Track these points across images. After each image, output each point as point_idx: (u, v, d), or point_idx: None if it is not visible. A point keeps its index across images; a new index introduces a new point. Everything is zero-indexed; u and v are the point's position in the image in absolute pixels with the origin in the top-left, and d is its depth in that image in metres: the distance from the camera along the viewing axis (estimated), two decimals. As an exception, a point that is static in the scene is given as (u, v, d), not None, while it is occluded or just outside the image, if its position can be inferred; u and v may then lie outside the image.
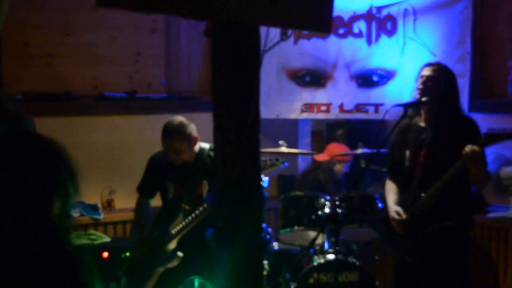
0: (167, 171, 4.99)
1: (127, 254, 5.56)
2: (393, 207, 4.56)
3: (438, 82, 4.38)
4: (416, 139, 4.48)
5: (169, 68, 6.62)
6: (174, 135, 4.86)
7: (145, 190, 5.12)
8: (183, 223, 4.79)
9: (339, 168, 6.41)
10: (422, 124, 4.49)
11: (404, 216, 4.46)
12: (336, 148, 6.47)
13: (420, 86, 4.40)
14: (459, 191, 4.36)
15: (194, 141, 4.88)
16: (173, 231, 4.83)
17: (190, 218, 4.76)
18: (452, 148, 4.28)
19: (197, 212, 4.71)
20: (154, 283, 4.84)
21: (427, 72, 4.44)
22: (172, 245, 4.83)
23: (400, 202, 4.59)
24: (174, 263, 4.81)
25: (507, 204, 5.91)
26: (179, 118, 4.92)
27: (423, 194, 4.39)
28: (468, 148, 4.10)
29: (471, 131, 4.35)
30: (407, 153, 4.52)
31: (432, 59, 6.28)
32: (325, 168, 6.45)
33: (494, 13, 6.42)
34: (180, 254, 4.80)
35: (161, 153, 5.01)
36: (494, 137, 4.09)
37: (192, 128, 4.90)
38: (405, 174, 4.56)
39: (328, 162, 6.43)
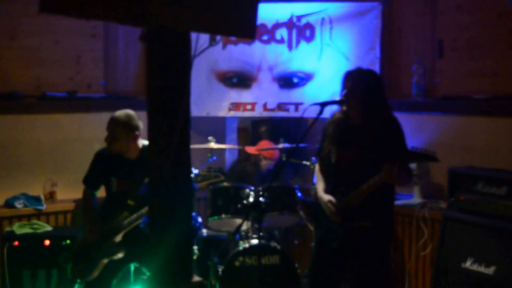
0: (111, 167, 4.93)
1: (68, 241, 5.47)
2: (326, 197, 4.39)
3: (360, 84, 4.27)
4: (344, 136, 4.37)
5: (107, 70, 6.53)
6: (113, 120, 4.81)
7: (89, 182, 5.05)
8: (130, 218, 4.73)
9: (265, 164, 6.43)
10: (352, 122, 4.37)
11: (335, 208, 4.30)
12: (265, 145, 6.49)
13: (345, 91, 4.29)
14: (383, 193, 4.25)
15: (134, 135, 4.82)
16: (120, 226, 4.76)
17: (137, 214, 4.69)
18: (375, 149, 4.19)
19: (143, 211, 4.66)
20: (98, 272, 4.77)
21: (349, 78, 4.33)
22: (118, 238, 4.76)
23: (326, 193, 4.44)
24: (119, 255, 4.74)
25: (411, 193, 6.02)
26: (131, 111, 4.87)
27: (342, 188, 4.32)
28: (386, 168, 3.99)
29: (394, 133, 4.26)
30: (334, 149, 4.41)
31: (346, 63, 6.36)
32: (253, 161, 6.46)
33: (400, 23, 6.52)
34: (124, 247, 4.74)
35: (107, 149, 4.95)
36: (415, 157, 3.99)
37: (136, 124, 4.84)
38: (331, 169, 4.45)
39: (256, 156, 6.45)
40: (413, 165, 5.73)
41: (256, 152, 6.43)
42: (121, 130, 4.80)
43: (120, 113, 4.86)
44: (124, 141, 4.83)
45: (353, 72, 4.35)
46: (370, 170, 4.17)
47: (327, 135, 4.49)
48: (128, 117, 4.83)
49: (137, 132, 4.84)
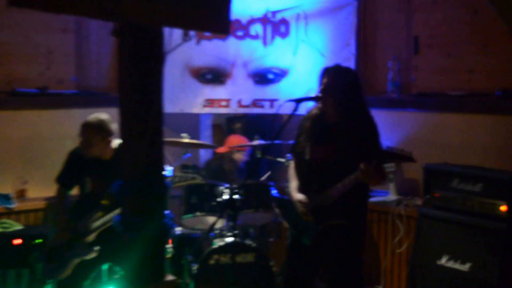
0: (85, 166, 4.88)
1: (39, 240, 5.42)
2: (297, 196, 4.40)
3: (337, 81, 4.26)
4: (319, 134, 4.36)
5: (79, 66, 6.48)
6: (88, 127, 4.77)
7: (63, 182, 5.00)
8: (104, 218, 4.69)
9: (239, 156, 6.42)
10: (328, 120, 4.35)
11: (305, 208, 4.32)
12: (234, 140, 6.48)
13: (321, 87, 4.28)
14: (357, 191, 4.25)
15: (108, 139, 4.78)
16: (93, 225, 4.72)
17: (110, 216, 4.65)
18: (350, 148, 4.19)
19: (117, 211, 4.62)
20: (69, 272, 4.73)
21: (326, 78, 4.30)
22: (91, 238, 4.73)
23: (299, 191, 4.44)
24: (91, 255, 4.71)
25: (387, 190, 6.05)
26: (104, 115, 4.82)
27: (315, 186, 4.31)
28: (362, 167, 3.98)
29: (369, 132, 4.26)
30: (308, 146, 4.40)
31: (321, 59, 6.38)
32: (229, 159, 6.46)
33: (376, 19, 6.55)
34: (97, 248, 4.71)
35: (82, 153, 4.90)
36: (391, 156, 3.97)
37: (110, 128, 4.79)
38: (305, 167, 4.44)
39: (228, 153, 6.44)
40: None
41: (226, 150, 6.42)
42: (96, 136, 4.76)
43: (93, 118, 4.80)
44: (99, 147, 4.79)
45: (331, 69, 4.34)
46: (345, 169, 4.17)
47: (303, 130, 4.48)
48: (102, 122, 4.78)
49: (111, 137, 4.81)
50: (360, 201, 4.38)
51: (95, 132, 4.75)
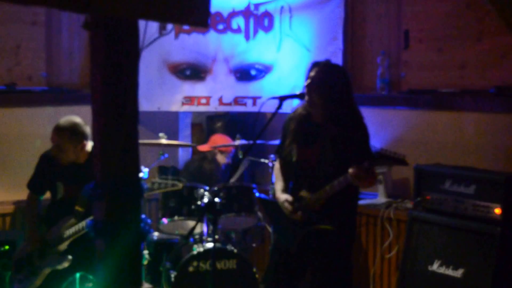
0: (57, 171, 4.85)
1: (6, 247, 5.38)
2: (283, 196, 4.39)
3: (324, 78, 4.25)
4: (306, 134, 4.36)
5: (50, 61, 6.45)
6: (60, 131, 4.73)
7: (34, 187, 4.97)
8: (77, 226, 4.66)
9: (221, 158, 6.42)
10: (315, 119, 4.34)
11: (292, 207, 4.30)
12: (218, 139, 6.48)
13: (307, 83, 4.26)
14: (346, 194, 4.26)
15: (81, 145, 4.75)
16: (65, 233, 4.69)
17: (84, 223, 4.62)
18: (339, 148, 4.18)
19: (91, 218, 4.59)
20: (40, 283, 4.70)
21: (313, 72, 4.29)
22: (63, 247, 4.70)
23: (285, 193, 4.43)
24: (64, 265, 4.68)
25: (376, 192, 6.06)
26: (77, 119, 4.79)
27: (304, 194, 4.30)
28: (352, 170, 3.99)
29: (359, 132, 4.25)
30: (295, 148, 4.39)
31: (307, 54, 6.39)
32: (210, 159, 6.45)
33: (364, 12, 6.56)
34: (69, 257, 4.68)
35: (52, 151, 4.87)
36: (383, 159, 3.96)
37: (83, 132, 4.76)
38: (292, 168, 4.43)
39: (211, 153, 6.43)
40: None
41: (210, 149, 6.41)
42: (68, 142, 4.73)
43: (65, 122, 4.76)
44: (72, 152, 4.77)
45: (320, 63, 4.34)
46: (333, 171, 4.17)
47: (288, 132, 4.48)
48: (74, 126, 4.75)
49: (85, 142, 4.78)
50: (349, 205, 4.38)
51: (68, 137, 4.72)
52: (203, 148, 6.53)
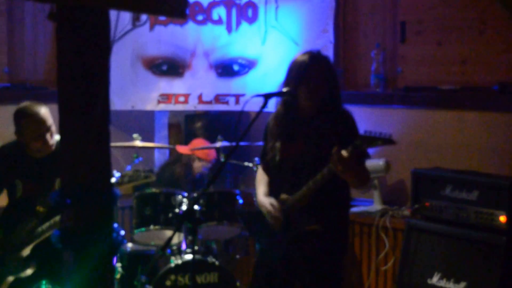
0: (15, 167, 4.83)
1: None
2: (267, 200, 4.36)
3: (314, 72, 4.25)
4: (290, 130, 4.35)
5: (12, 55, 6.43)
6: (40, 119, 4.69)
7: None
8: (40, 228, 4.64)
9: (199, 166, 6.41)
10: (301, 115, 4.34)
11: (278, 212, 4.27)
12: (200, 144, 6.47)
13: (313, 86, 4.23)
14: (333, 192, 4.24)
15: (51, 133, 4.75)
16: (27, 237, 4.67)
17: (49, 224, 4.60)
18: (326, 144, 4.14)
19: (56, 219, 4.57)
20: None
21: (301, 62, 4.29)
22: (26, 252, 4.68)
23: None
24: (27, 272, 4.66)
25: (370, 198, 6.07)
26: (42, 107, 4.75)
27: (285, 196, 4.29)
28: (335, 153, 3.93)
29: (347, 127, 4.25)
30: (278, 145, 4.38)
31: (294, 48, 6.39)
32: (184, 163, 6.43)
33: (357, 2, 6.57)
34: (33, 263, 4.66)
35: (10, 146, 4.84)
36: (368, 140, 3.90)
37: (51, 120, 4.75)
38: (276, 168, 4.41)
39: (188, 157, 6.42)
40: (373, 163, 5.79)
41: (189, 152, 6.40)
42: (50, 130, 4.69)
43: (39, 109, 4.71)
44: (50, 141, 4.73)
45: (317, 58, 4.35)
46: (317, 166, 4.16)
47: (270, 133, 4.48)
48: (48, 112, 4.73)
49: (52, 130, 4.76)
50: (338, 204, 4.36)
51: (49, 124, 4.69)
52: (182, 149, 6.52)
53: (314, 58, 4.33)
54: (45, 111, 4.71)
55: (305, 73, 4.27)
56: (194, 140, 6.62)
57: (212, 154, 6.41)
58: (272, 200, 4.35)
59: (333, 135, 4.19)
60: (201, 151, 6.37)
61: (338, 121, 4.26)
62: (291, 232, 4.30)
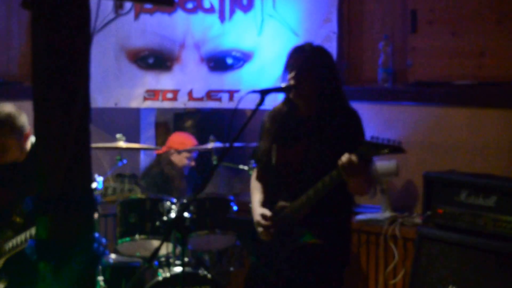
0: None
1: None
2: (259, 210, 4.35)
3: (312, 66, 4.26)
4: (288, 132, 4.36)
5: (-17, 47, 6.44)
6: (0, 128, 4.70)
7: None
8: (15, 240, 4.64)
9: (179, 159, 6.42)
10: (300, 114, 4.35)
11: (270, 221, 4.26)
12: (177, 138, 6.48)
13: (292, 75, 4.24)
14: (335, 201, 4.23)
15: (25, 137, 4.74)
16: (1, 249, 4.68)
17: (25, 235, 4.60)
18: (328, 147, 4.17)
19: (32, 231, 4.56)
20: None
21: (297, 56, 4.30)
22: None
23: (264, 206, 4.39)
24: None
25: (378, 205, 6.07)
26: (7, 108, 4.74)
27: (283, 203, 4.28)
28: (345, 158, 3.93)
29: (352, 129, 4.25)
30: (274, 148, 4.38)
31: (294, 39, 6.39)
32: (167, 161, 6.45)
33: (363, -11, 6.59)
34: (5, 278, 4.67)
35: None
36: (377, 147, 3.90)
37: (23, 121, 4.74)
38: (271, 174, 4.42)
39: (166, 153, 6.43)
40: (383, 164, 5.79)
41: (163, 149, 6.42)
42: (11, 137, 4.68)
43: (1, 116, 4.71)
44: (17, 149, 4.73)
45: (303, 48, 4.34)
46: (319, 173, 4.16)
47: (265, 132, 4.48)
48: (14, 118, 4.71)
49: (26, 132, 4.75)
50: (340, 215, 4.37)
51: (8, 132, 4.69)
52: (159, 151, 6.55)
53: (298, 48, 4.35)
54: (8, 113, 4.69)
55: (286, 65, 4.29)
56: (172, 134, 6.67)
57: (190, 141, 6.41)
58: (264, 210, 4.34)
59: (334, 139, 4.18)
60: (176, 142, 6.38)
61: (341, 122, 4.25)
62: (287, 246, 4.30)
